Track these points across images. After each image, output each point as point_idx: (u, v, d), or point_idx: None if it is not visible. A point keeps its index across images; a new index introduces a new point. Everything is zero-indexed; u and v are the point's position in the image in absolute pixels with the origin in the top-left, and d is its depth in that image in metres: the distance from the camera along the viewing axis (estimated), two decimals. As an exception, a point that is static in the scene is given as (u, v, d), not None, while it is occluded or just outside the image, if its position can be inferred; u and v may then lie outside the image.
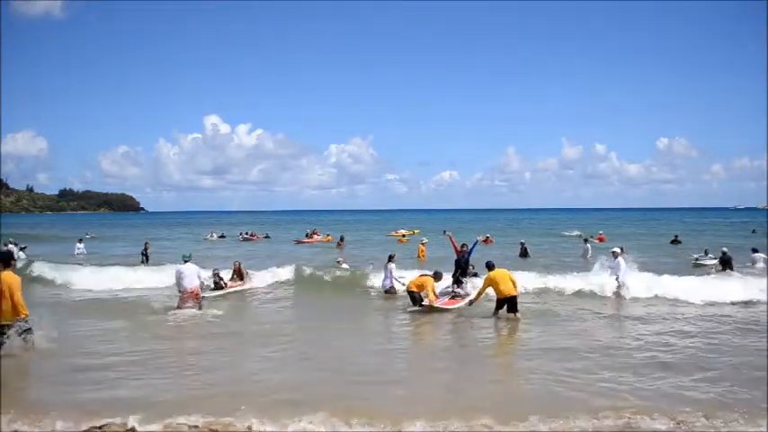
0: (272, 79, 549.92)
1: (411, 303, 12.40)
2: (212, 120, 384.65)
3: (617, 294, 13.86)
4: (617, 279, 14.10)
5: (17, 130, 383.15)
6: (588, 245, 25.69)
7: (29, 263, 19.91)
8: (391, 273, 14.58)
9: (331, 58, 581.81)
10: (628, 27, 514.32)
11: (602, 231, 37.85)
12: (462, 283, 13.52)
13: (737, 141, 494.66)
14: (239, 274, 15.65)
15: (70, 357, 8.29)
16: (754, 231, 42.66)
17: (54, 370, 7.64)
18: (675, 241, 31.51)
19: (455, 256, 14.51)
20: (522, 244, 26.48)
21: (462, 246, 14.57)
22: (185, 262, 12.01)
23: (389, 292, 14.39)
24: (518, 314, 11.18)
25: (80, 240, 29.84)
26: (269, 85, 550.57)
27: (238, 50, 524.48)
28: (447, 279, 13.77)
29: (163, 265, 18.66)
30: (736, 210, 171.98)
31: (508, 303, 11.25)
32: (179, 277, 11.73)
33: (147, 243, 22.81)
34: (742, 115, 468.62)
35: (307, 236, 40.85)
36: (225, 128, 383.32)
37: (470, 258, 14.47)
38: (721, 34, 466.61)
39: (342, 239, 34.13)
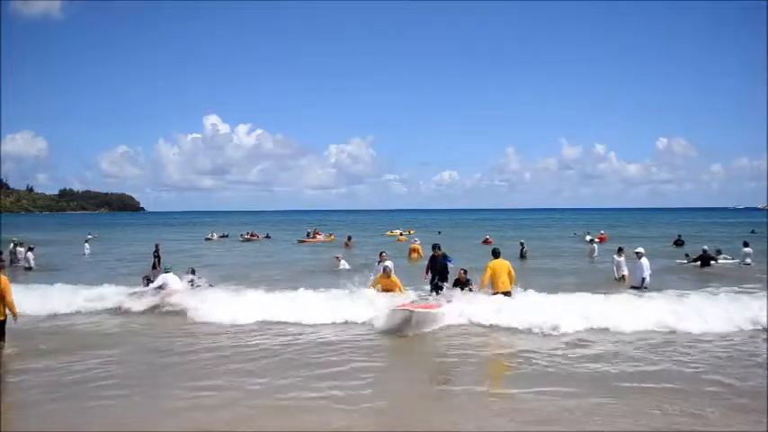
0: (271, 79, 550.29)
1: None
2: (212, 120, 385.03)
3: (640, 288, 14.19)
4: (643, 281, 14.42)
5: (17, 131, 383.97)
6: (595, 245, 25.95)
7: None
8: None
9: (330, 59, 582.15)
10: (627, 27, 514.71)
11: (603, 231, 38.20)
12: (442, 289, 11.45)
13: (737, 141, 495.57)
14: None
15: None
16: (753, 231, 42.77)
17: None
18: (678, 242, 31.53)
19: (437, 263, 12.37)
20: (521, 244, 26.57)
21: (435, 247, 12.25)
22: (167, 272, 13.46)
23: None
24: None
25: (86, 241, 31.46)
26: (268, 85, 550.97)
27: (237, 50, 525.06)
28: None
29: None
30: (735, 210, 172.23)
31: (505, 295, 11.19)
32: (164, 282, 13.00)
33: (157, 245, 23.75)
34: (742, 115, 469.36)
35: (308, 235, 40.99)
36: (224, 128, 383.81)
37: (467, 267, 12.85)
38: (721, 34, 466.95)
39: (349, 239, 34.28)
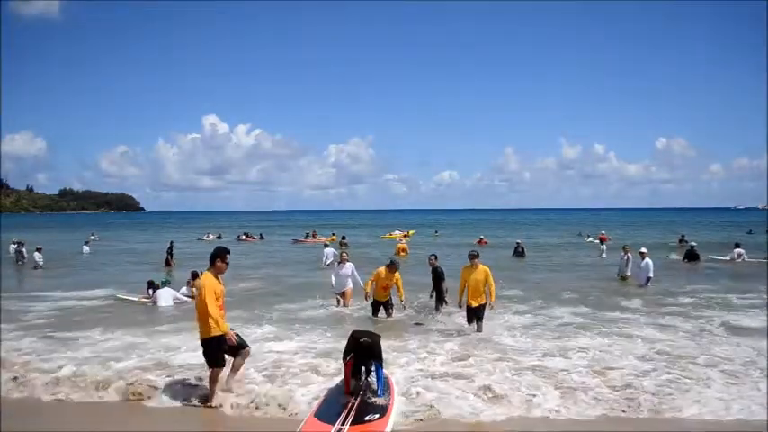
0: (270, 79, 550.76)
1: (372, 312, 11.13)
2: (211, 120, 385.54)
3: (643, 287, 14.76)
4: (647, 280, 14.87)
5: (16, 131, 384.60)
6: (604, 245, 26.31)
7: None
8: (353, 272, 12.50)
9: (330, 59, 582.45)
10: (627, 27, 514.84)
11: (603, 231, 38.39)
12: (369, 374, 5.99)
13: (737, 141, 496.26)
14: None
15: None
16: (750, 232, 42.70)
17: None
18: (682, 242, 31.50)
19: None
20: (518, 244, 26.74)
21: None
22: (164, 285, 13.34)
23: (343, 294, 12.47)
24: (481, 320, 9.68)
25: (86, 243, 32.17)
26: (268, 86, 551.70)
27: (236, 50, 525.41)
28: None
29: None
30: (736, 210, 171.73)
31: (476, 311, 9.66)
32: (155, 299, 13.00)
33: (171, 243, 24.92)
34: (741, 115, 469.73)
35: (307, 237, 40.86)
36: (223, 128, 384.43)
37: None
38: (721, 34, 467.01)
39: (344, 239, 34.76)
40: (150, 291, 13.43)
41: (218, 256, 6.18)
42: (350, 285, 12.16)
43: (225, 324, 6.11)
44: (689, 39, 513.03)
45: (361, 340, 5.92)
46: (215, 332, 5.98)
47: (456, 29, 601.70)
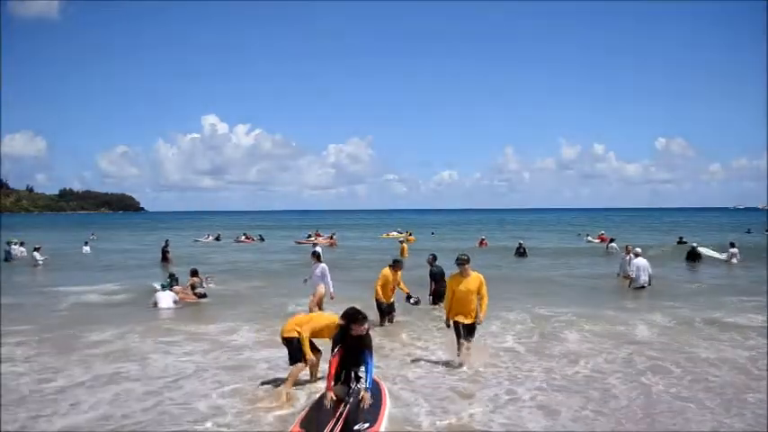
0: (270, 79, 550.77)
1: (380, 319, 10.53)
2: (210, 120, 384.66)
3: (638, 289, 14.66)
4: (641, 279, 14.80)
5: (16, 131, 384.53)
6: (614, 244, 26.52)
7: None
8: (323, 275, 11.31)
9: (329, 59, 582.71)
10: (627, 27, 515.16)
11: (602, 231, 38.50)
12: (358, 380, 5.69)
13: (736, 141, 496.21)
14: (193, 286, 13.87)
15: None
16: (748, 231, 42.79)
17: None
18: (681, 243, 31.58)
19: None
20: (520, 244, 26.85)
21: (351, 318, 7.04)
22: (163, 289, 13.40)
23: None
24: (470, 341, 7.69)
25: (86, 243, 32.21)
26: (267, 85, 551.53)
27: (236, 50, 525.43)
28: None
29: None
30: (736, 210, 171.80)
31: (465, 329, 7.68)
32: (157, 300, 13.03)
33: (167, 241, 25.29)
34: (741, 115, 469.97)
35: (309, 237, 40.72)
36: (223, 128, 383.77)
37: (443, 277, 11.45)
38: (721, 34, 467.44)
39: (332, 236, 36.69)
40: (169, 281, 14.02)
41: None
42: (322, 288, 11.12)
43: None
44: (689, 39, 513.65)
45: (354, 332, 5.50)
46: (295, 334, 6.60)
47: (455, 29, 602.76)
